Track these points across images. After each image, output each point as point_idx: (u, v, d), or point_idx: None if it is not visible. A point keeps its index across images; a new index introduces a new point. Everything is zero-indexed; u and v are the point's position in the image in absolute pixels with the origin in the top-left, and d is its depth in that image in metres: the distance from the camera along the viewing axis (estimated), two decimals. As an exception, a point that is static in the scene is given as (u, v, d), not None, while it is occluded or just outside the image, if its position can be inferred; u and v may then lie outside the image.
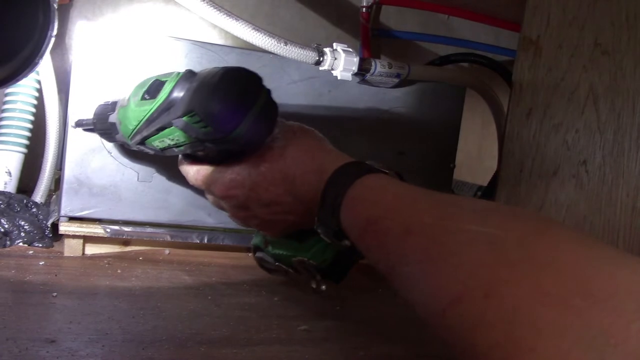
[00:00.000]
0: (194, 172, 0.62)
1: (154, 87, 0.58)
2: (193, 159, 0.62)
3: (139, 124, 0.59)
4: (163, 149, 0.60)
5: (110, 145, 0.77)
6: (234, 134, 0.52)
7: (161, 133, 0.57)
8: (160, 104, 0.56)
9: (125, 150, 0.77)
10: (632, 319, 0.25)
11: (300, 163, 0.54)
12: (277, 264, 0.63)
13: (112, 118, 0.65)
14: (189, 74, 0.57)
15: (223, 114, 0.51)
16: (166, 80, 0.58)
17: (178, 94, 0.55)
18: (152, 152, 0.63)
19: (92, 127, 0.70)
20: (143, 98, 0.58)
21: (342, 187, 0.48)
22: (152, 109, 0.57)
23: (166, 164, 0.79)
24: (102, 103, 0.68)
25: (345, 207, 0.47)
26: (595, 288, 0.28)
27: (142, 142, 0.61)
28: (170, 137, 0.57)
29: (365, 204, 0.46)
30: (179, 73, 0.57)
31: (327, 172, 0.50)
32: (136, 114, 0.59)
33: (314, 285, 0.58)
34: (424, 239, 0.38)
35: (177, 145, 0.58)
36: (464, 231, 0.36)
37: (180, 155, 0.63)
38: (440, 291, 0.34)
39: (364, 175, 0.48)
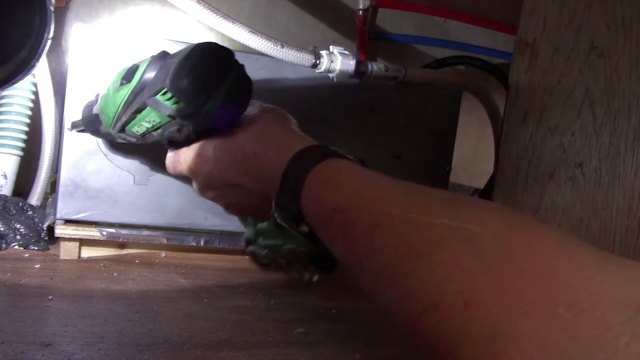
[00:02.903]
0: (170, 158, 0.62)
1: (130, 72, 0.59)
2: (173, 147, 0.62)
3: (117, 110, 0.60)
4: (143, 134, 0.60)
5: (106, 148, 0.77)
6: (205, 108, 0.52)
7: (138, 116, 0.57)
8: (135, 86, 0.57)
9: (122, 152, 0.77)
10: (621, 331, 0.24)
11: (261, 140, 0.52)
12: (267, 256, 0.62)
13: (96, 109, 0.65)
14: (163, 54, 0.57)
15: (192, 87, 0.51)
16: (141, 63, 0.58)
17: (150, 74, 0.56)
18: (134, 141, 0.63)
19: (82, 126, 0.69)
20: (121, 84, 0.59)
21: (305, 169, 0.45)
22: (128, 92, 0.58)
23: (163, 167, 0.79)
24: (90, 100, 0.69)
25: (307, 191, 0.45)
26: (578, 295, 0.26)
27: (123, 129, 0.61)
28: (147, 120, 0.57)
29: (331, 190, 0.43)
30: (154, 55, 0.57)
31: (288, 153, 0.48)
32: (115, 99, 0.59)
33: (306, 276, 0.56)
34: (393, 234, 0.36)
35: (154, 128, 0.58)
36: (435, 226, 0.34)
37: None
38: (413, 294, 0.32)
39: (328, 158, 0.45)
